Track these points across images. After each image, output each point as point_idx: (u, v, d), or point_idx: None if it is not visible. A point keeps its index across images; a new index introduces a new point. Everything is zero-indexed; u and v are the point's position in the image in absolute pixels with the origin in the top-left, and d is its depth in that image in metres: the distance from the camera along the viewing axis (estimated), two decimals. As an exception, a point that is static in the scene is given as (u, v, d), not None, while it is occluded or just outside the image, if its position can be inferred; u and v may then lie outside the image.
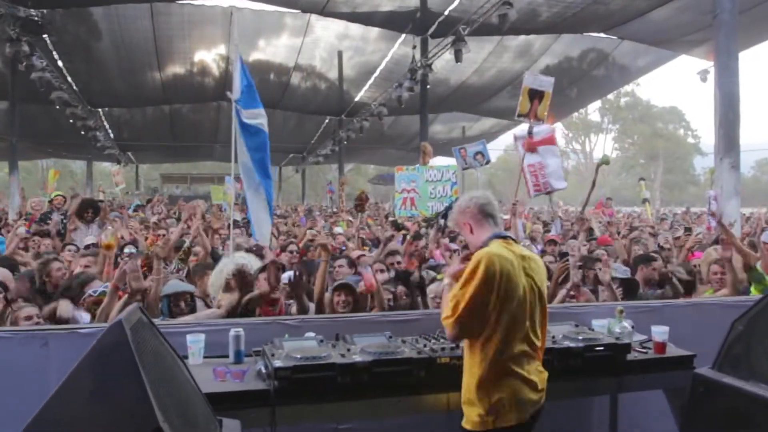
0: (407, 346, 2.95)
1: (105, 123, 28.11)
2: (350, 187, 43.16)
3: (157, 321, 3.58)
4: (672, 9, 15.56)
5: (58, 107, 19.67)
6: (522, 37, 19.49)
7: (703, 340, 3.36)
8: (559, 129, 48.47)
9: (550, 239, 7.45)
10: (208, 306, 4.15)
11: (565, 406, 3.68)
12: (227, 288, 4.05)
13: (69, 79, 21.17)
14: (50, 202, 9.48)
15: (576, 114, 47.52)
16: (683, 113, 54.08)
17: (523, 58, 21.12)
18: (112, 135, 29.96)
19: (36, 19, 15.36)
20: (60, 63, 20.16)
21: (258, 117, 5.33)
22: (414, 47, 18.26)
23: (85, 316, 3.83)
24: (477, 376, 2.49)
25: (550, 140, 8.80)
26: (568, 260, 4.64)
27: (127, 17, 17.36)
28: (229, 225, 6.20)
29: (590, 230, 9.10)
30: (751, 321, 2.96)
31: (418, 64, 17.64)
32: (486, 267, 2.47)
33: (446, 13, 16.97)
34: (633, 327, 3.75)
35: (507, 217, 9.04)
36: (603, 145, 55.47)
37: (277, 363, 2.57)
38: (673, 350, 3.52)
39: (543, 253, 6.86)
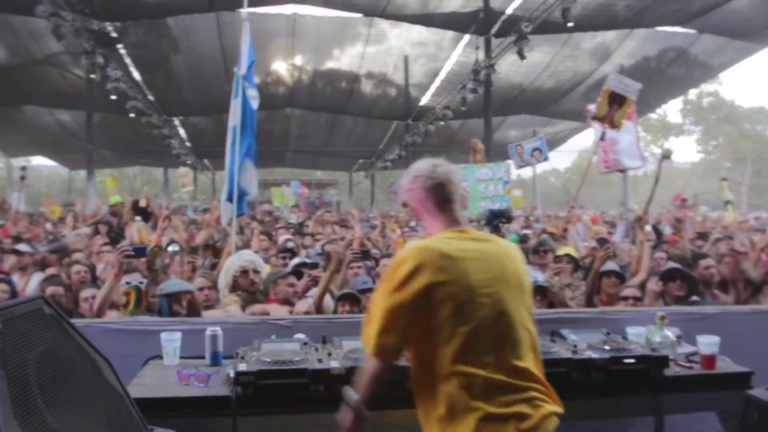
0: (399, 352, 2.61)
1: (180, 131, 29.11)
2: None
3: (146, 318, 3.44)
4: (756, -4, 14.47)
5: (132, 116, 20.50)
6: (597, 37, 18.67)
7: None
8: (637, 131, 46.33)
9: (600, 238, 6.80)
10: None
11: (598, 428, 3.23)
12: (235, 287, 3.86)
13: (144, 89, 22.03)
14: (111, 206, 9.67)
15: (654, 115, 45.32)
16: (772, 112, 50.52)
17: (595, 57, 20.26)
18: (188, 143, 31.00)
19: (109, 31, 16.00)
20: (136, 74, 21.00)
21: (256, 99, 5.35)
22: (477, 48, 17.83)
23: None
24: (429, 410, 1.98)
25: (629, 115, 8.00)
26: (609, 248, 4.25)
27: (194, 28, 17.86)
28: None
29: (657, 231, 8.46)
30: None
31: (482, 65, 17.21)
32: (410, 268, 1.92)
33: (509, 11, 16.49)
34: (680, 336, 3.25)
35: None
36: (684, 148, 52.64)
37: (241, 367, 2.30)
38: (726, 366, 2.99)
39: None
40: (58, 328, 1.65)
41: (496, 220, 7.13)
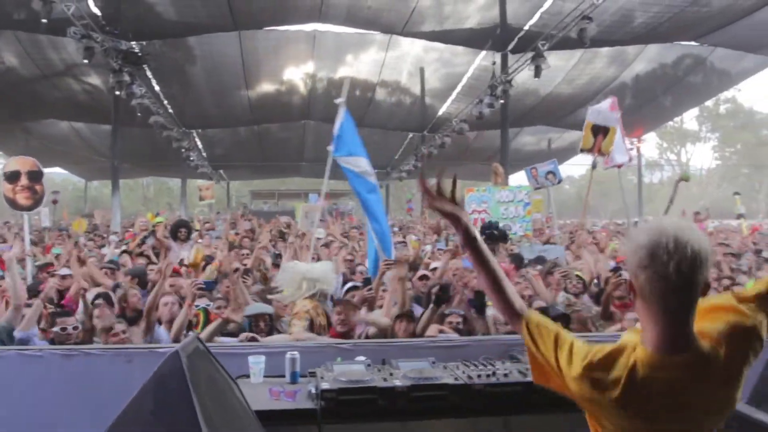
0: (447, 372, 3.14)
1: (198, 143, 29.76)
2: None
3: (227, 342, 3.99)
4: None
5: (157, 131, 21.16)
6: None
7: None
8: (652, 138, 46.50)
9: (615, 267, 7.10)
10: None
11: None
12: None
13: (165, 103, 22.65)
14: (154, 226, 10.12)
15: (670, 122, 45.54)
16: (791, 119, 50.55)
17: (614, 64, 20.50)
18: (204, 154, 31.64)
19: (136, 51, 16.63)
20: (157, 88, 21.60)
21: (359, 165, 5.87)
22: (494, 63, 18.26)
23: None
24: None
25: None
26: (621, 274, 4.64)
27: (216, 44, 18.47)
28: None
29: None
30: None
31: (498, 80, 17.63)
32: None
33: (526, 28, 16.94)
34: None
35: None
36: (701, 155, 52.63)
37: (325, 385, 2.86)
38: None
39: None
40: (208, 359, 2.20)
41: (489, 231, 7.43)
